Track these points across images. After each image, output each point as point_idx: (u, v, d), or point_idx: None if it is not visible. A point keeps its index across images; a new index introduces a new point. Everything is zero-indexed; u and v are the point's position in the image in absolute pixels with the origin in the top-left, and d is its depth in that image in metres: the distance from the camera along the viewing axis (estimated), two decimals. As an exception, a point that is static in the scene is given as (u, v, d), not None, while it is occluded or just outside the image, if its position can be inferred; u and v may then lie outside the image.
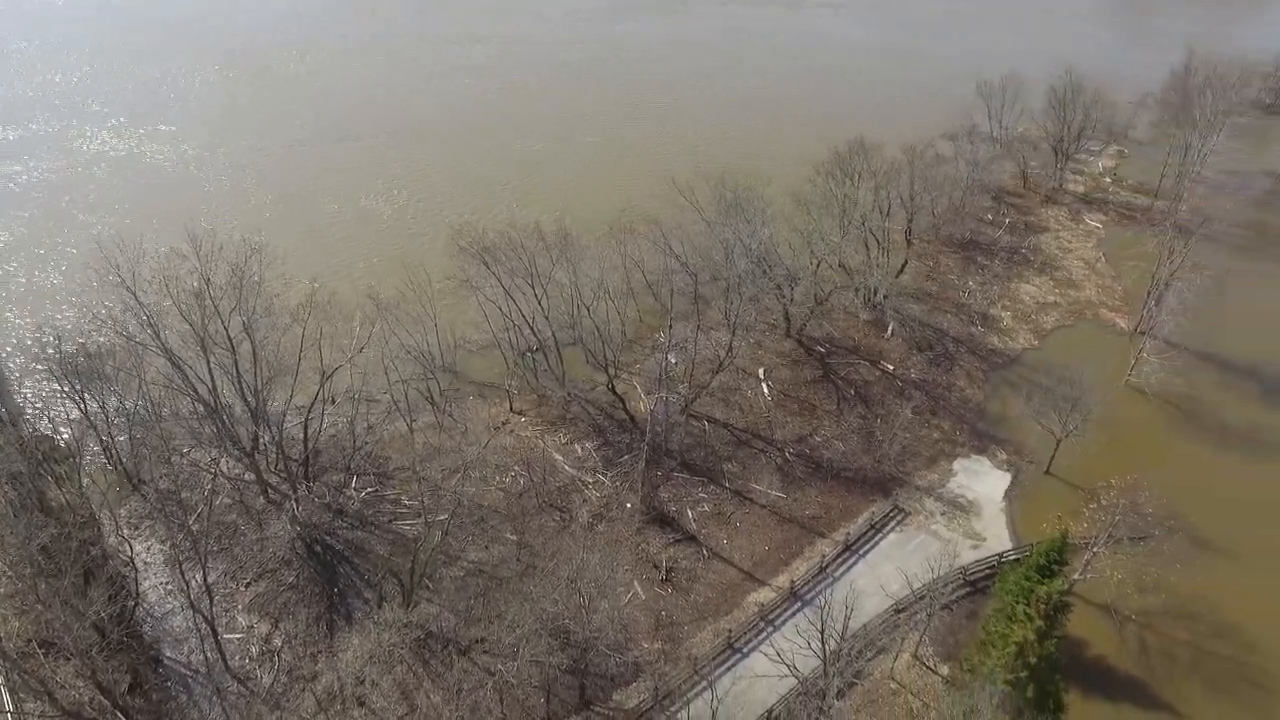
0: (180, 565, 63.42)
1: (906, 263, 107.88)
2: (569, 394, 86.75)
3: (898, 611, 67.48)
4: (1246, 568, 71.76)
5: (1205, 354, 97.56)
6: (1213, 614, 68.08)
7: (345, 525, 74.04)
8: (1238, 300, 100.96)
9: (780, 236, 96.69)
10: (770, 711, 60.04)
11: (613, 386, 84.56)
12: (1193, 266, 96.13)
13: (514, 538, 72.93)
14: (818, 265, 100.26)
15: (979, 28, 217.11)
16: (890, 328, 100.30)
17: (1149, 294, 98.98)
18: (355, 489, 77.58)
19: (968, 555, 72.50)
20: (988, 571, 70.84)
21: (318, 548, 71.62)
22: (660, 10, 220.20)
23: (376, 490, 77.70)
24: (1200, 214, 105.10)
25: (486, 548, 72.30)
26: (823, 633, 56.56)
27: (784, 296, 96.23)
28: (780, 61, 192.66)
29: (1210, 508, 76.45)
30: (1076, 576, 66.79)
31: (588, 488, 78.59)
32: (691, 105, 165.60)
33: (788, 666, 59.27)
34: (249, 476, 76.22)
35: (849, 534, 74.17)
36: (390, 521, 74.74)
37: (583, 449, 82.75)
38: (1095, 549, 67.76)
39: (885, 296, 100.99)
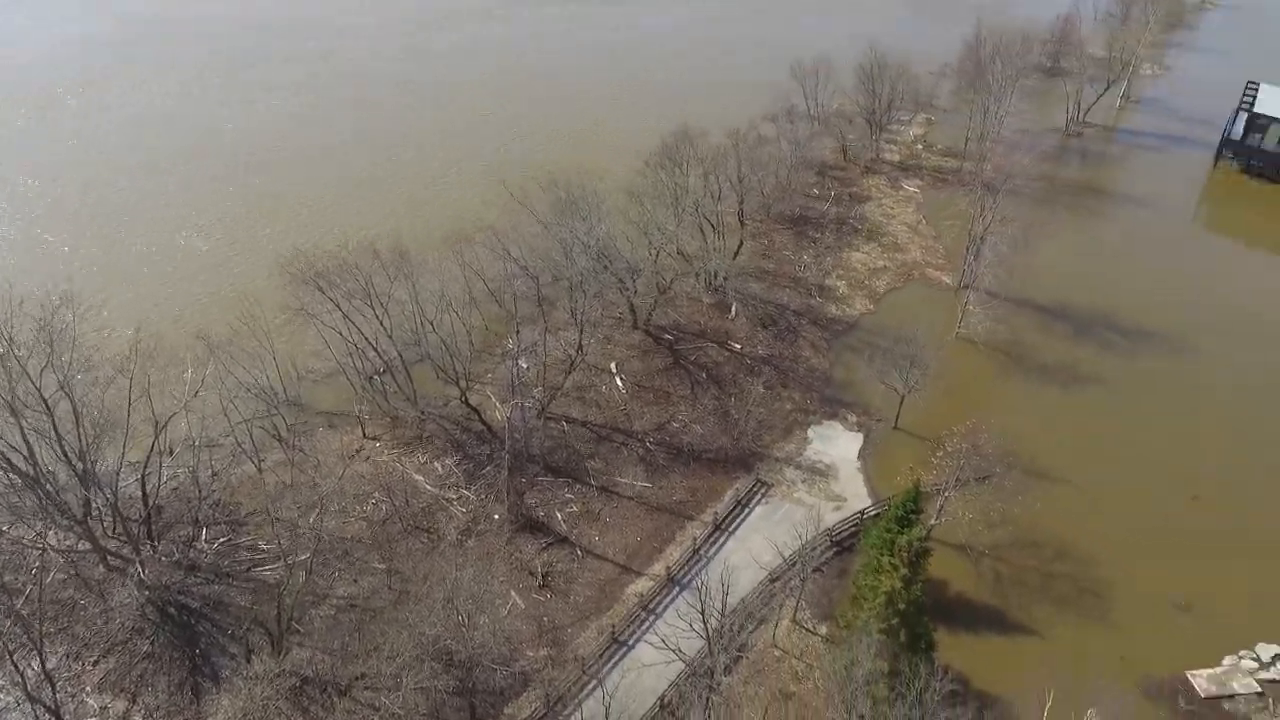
0: (11, 656, 57.72)
1: (742, 244, 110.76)
2: (422, 413, 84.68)
3: (772, 581, 69.47)
4: (1076, 490, 78.25)
5: (1021, 300, 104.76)
6: (1053, 538, 73.82)
7: (200, 581, 69.78)
8: (1040, 248, 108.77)
9: (617, 230, 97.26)
10: (662, 698, 60.65)
11: (466, 399, 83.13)
12: (1002, 220, 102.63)
13: (383, 566, 70.68)
14: (657, 255, 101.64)
15: (787, 14, 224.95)
16: (734, 308, 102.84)
17: (967, 250, 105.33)
18: (206, 541, 73.20)
19: (831, 517, 75.36)
20: (852, 530, 73.91)
21: (172, 610, 67.17)
22: (479, 18, 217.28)
23: (230, 539, 73.58)
24: (1003, 172, 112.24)
25: (355, 581, 69.83)
26: (703, 613, 57.63)
27: (627, 289, 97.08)
28: (600, 57, 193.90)
29: (1040, 440, 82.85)
30: (933, 522, 70.45)
31: (453, 504, 77.03)
32: (516, 108, 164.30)
33: (673, 651, 60.12)
34: (83, 546, 70.43)
35: (717, 514, 75.76)
36: (249, 569, 70.99)
37: (443, 466, 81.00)
38: (946, 494, 71.67)
39: (725, 279, 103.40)
